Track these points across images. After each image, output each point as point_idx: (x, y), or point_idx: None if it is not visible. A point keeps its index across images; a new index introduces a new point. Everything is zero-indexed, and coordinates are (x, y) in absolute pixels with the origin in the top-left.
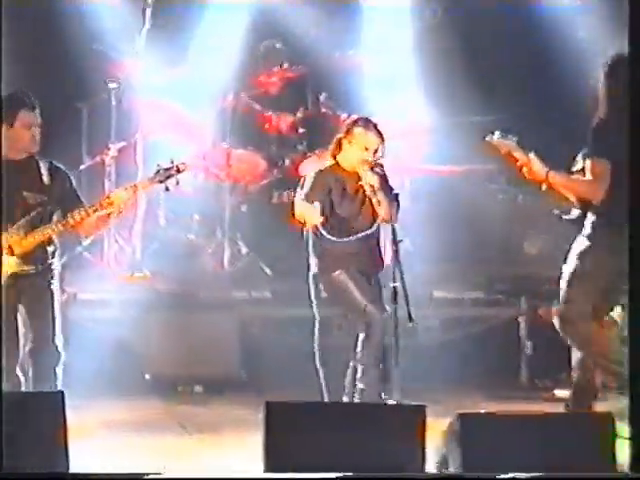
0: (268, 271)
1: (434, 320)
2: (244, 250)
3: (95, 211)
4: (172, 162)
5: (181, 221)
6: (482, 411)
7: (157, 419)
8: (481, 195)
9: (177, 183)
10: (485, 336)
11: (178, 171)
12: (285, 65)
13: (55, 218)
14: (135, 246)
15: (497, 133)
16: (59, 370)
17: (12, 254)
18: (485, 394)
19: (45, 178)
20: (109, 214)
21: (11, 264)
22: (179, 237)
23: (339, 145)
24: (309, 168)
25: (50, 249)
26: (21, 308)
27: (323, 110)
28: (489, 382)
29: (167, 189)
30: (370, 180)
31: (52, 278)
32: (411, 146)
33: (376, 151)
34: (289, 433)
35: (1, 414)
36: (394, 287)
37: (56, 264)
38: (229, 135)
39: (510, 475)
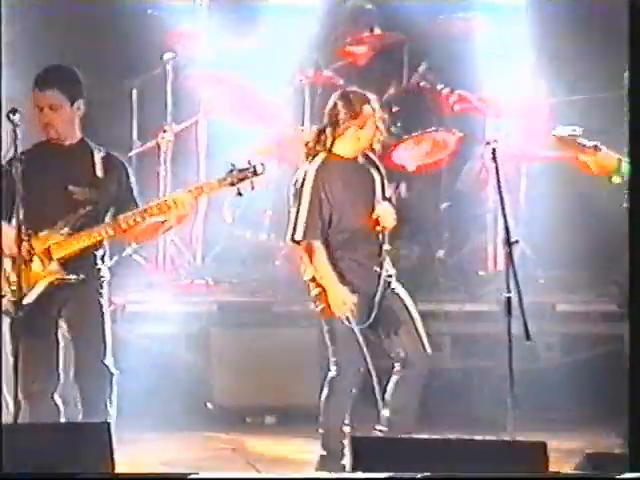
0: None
1: (555, 337)
2: None
3: (150, 215)
4: (249, 163)
5: (250, 218)
6: (616, 451)
7: (221, 456)
8: (612, 188)
9: (252, 188)
10: (618, 357)
11: (255, 174)
12: (376, 30)
13: (107, 219)
14: (195, 248)
15: (562, 127)
16: (113, 396)
17: (50, 259)
18: (618, 430)
19: (99, 170)
20: (164, 221)
21: (50, 270)
22: (248, 237)
23: (344, 130)
24: (405, 155)
25: (99, 253)
26: (62, 324)
27: (422, 84)
28: (621, 414)
29: (239, 194)
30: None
31: (101, 288)
32: (528, 127)
33: (382, 124)
34: (379, 473)
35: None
36: (507, 298)
37: (105, 271)
38: (308, 116)
39: (510, 475)
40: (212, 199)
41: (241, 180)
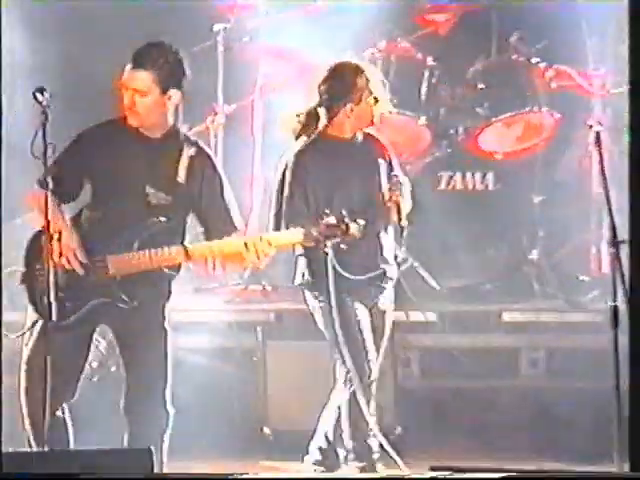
0: (434, 284)
1: None
2: (402, 255)
3: (223, 253)
4: (339, 216)
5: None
6: None
7: None
8: None
9: (338, 246)
10: None
11: (346, 233)
12: None
13: (186, 232)
14: None
15: None
16: (166, 436)
17: (107, 273)
18: None
19: (182, 171)
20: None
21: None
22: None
23: (338, 107)
24: (493, 141)
25: (171, 273)
26: (102, 340)
27: (514, 57)
28: None
29: (325, 253)
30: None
31: (164, 309)
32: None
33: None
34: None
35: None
36: (613, 307)
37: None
38: (387, 98)
39: (508, 474)
40: (267, 191)
41: (328, 239)
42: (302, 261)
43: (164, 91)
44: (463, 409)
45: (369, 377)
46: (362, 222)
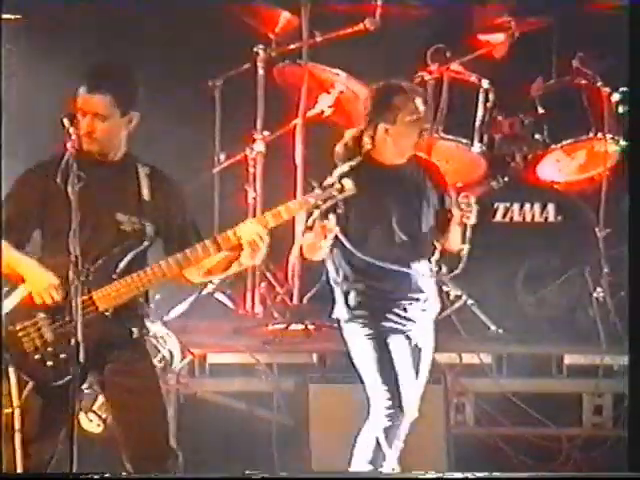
0: (492, 327)
1: None
2: (454, 293)
3: (217, 250)
4: (333, 177)
5: None
6: None
7: None
8: None
9: (335, 211)
10: None
11: (342, 191)
12: (517, 13)
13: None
14: (291, 285)
15: None
16: None
17: (96, 310)
18: None
19: (145, 190)
20: (237, 256)
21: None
22: None
23: (374, 129)
24: (553, 169)
25: (145, 303)
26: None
27: (576, 80)
28: None
29: (326, 217)
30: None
31: (148, 349)
32: None
33: (433, 113)
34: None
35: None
36: None
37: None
38: (432, 120)
39: (508, 475)
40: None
41: (326, 200)
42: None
43: (124, 114)
44: (520, 458)
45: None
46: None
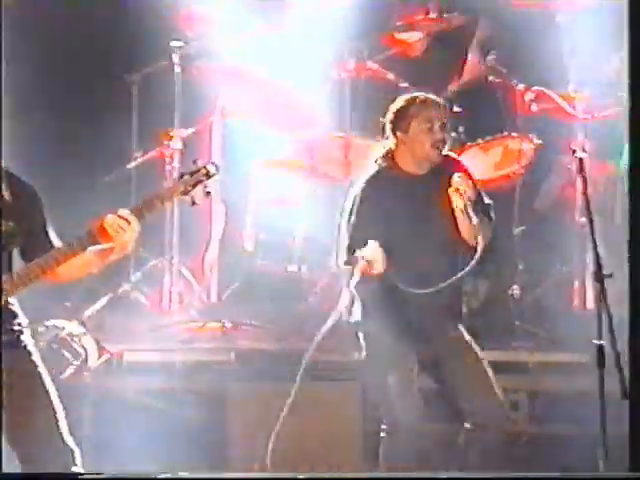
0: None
1: None
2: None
3: (82, 249)
4: (195, 163)
5: (277, 245)
6: None
7: None
8: None
9: (208, 194)
10: None
11: (207, 175)
12: (432, 13)
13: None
14: (209, 283)
15: None
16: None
17: None
18: None
19: (5, 193)
20: (109, 250)
21: None
22: (274, 269)
23: (396, 134)
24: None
25: (13, 307)
26: None
27: (491, 78)
28: None
29: (194, 203)
30: (458, 185)
31: (26, 349)
32: (624, 133)
33: (443, 126)
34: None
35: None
36: (599, 346)
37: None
38: (349, 118)
39: (508, 475)
40: (228, 222)
41: (194, 186)
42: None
43: None
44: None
45: None
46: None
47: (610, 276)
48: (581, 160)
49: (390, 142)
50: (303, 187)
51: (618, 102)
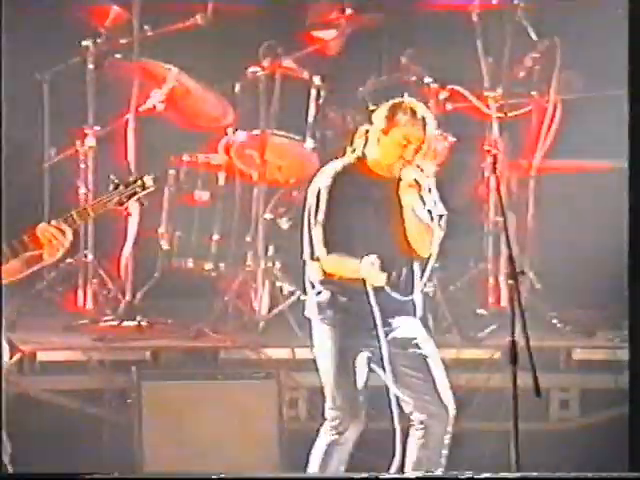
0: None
1: (572, 392)
2: (287, 288)
3: (14, 256)
4: (134, 175)
5: (193, 244)
6: None
7: None
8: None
9: (142, 204)
10: None
11: (144, 188)
12: (349, 10)
13: None
14: (124, 281)
15: None
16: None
17: None
18: None
19: None
20: (38, 257)
21: None
22: (190, 268)
23: (369, 136)
24: None
25: None
26: None
27: (405, 77)
28: None
29: (129, 214)
30: (411, 178)
31: None
32: (536, 132)
33: (417, 151)
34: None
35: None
36: (512, 342)
37: None
38: (263, 116)
39: (508, 475)
40: (145, 219)
41: (130, 198)
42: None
43: None
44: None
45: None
46: (151, 176)
47: (523, 273)
48: (494, 158)
49: (370, 130)
50: (219, 185)
51: (530, 101)
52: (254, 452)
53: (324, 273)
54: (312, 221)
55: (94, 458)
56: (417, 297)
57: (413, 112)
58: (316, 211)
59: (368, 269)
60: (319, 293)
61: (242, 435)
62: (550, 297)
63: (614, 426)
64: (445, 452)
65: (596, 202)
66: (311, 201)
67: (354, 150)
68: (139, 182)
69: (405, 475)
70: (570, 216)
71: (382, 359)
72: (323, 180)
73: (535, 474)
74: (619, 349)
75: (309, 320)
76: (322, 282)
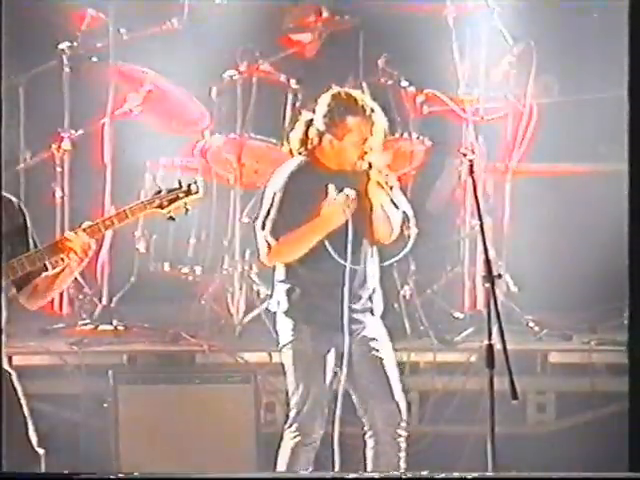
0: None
1: (549, 395)
2: (264, 292)
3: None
4: (180, 182)
5: (169, 248)
6: None
7: None
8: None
9: (187, 212)
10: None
11: (188, 193)
12: (325, 14)
13: None
14: (100, 285)
15: None
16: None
17: None
18: None
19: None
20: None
21: None
22: (166, 272)
23: (320, 138)
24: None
25: None
26: None
27: (382, 80)
28: None
29: (172, 218)
30: (380, 176)
31: None
32: (512, 136)
33: (365, 140)
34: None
35: (1, 415)
36: (488, 346)
37: None
38: (240, 120)
39: (509, 474)
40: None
41: (171, 202)
42: (282, 287)
43: None
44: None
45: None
46: (200, 179)
47: (499, 277)
48: (471, 162)
49: (314, 135)
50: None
51: (507, 105)
52: (231, 456)
53: (286, 270)
54: (264, 221)
55: (70, 462)
56: (377, 295)
57: (357, 106)
58: (268, 211)
59: (334, 202)
60: (286, 288)
61: (219, 439)
62: (526, 300)
63: (591, 429)
64: (402, 455)
65: (572, 205)
66: (265, 203)
67: (301, 149)
68: (183, 187)
69: (403, 475)
70: (546, 219)
71: (342, 357)
72: (277, 182)
73: (535, 474)
74: (595, 352)
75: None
76: (287, 277)
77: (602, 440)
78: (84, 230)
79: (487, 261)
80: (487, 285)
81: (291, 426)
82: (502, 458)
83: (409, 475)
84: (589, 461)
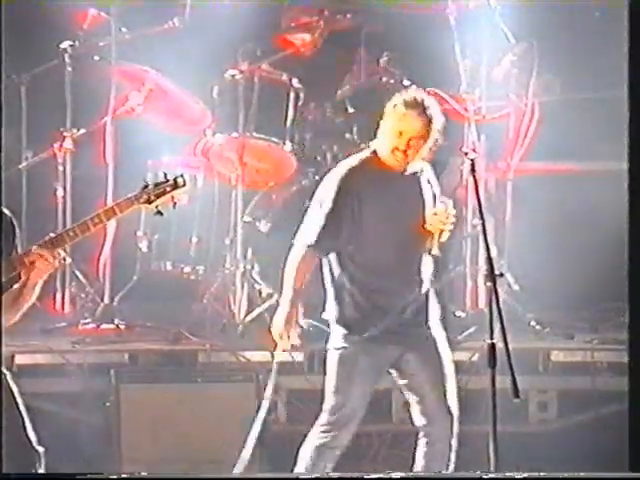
0: (301, 322)
1: (550, 393)
2: (266, 291)
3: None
4: (166, 176)
5: (171, 247)
6: None
7: None
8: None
9: (174, 205)
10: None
11: (175, 187)
12: (326, 13)
13: None
14: (102, 284)
15: None
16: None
17: None
18: None
19: None
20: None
21: None
22: (169, 271)
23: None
24: None
25: None
26: None
27: (384, 79)
28: None
29: (159, 213)
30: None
31: None
32: (514, 134)
33: (409, 142)
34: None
35: (0, 414)
36: (491, 344)
37: None
38: (242, 119)
39: (509, 475)
40: (123, 222)
41: (159, 196)
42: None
43: None
44: None
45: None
46: (186, 176)
47: (501, 275)
48: (473, 161)
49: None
50: (198, 188)
51: (508, 103)
52: (233, 455)
53: (339, 278)
54: (317, 210)
55: (72, 461)
56: (432, 299)
57: (417, 105)
58: (323, 201)
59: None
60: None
61: (221, 438)
62: (528, 299)
63: (592, 427)
64: (452, 455)
65: (573, 204)
66: (321, 192)
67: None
68: (170, 181)
69: (404, 475)
70: (548, 218)
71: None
72: (337, 173)
73: (536, 474)
74: (597, 351)
75: None
76: (339, 285)
77: (604, 438)
78: (67, 233)
79: (489, 260)
80: (489, 284)
81: (322, 427)
82: (504, 456)
83: (411, 475)
84: (590, 459)
